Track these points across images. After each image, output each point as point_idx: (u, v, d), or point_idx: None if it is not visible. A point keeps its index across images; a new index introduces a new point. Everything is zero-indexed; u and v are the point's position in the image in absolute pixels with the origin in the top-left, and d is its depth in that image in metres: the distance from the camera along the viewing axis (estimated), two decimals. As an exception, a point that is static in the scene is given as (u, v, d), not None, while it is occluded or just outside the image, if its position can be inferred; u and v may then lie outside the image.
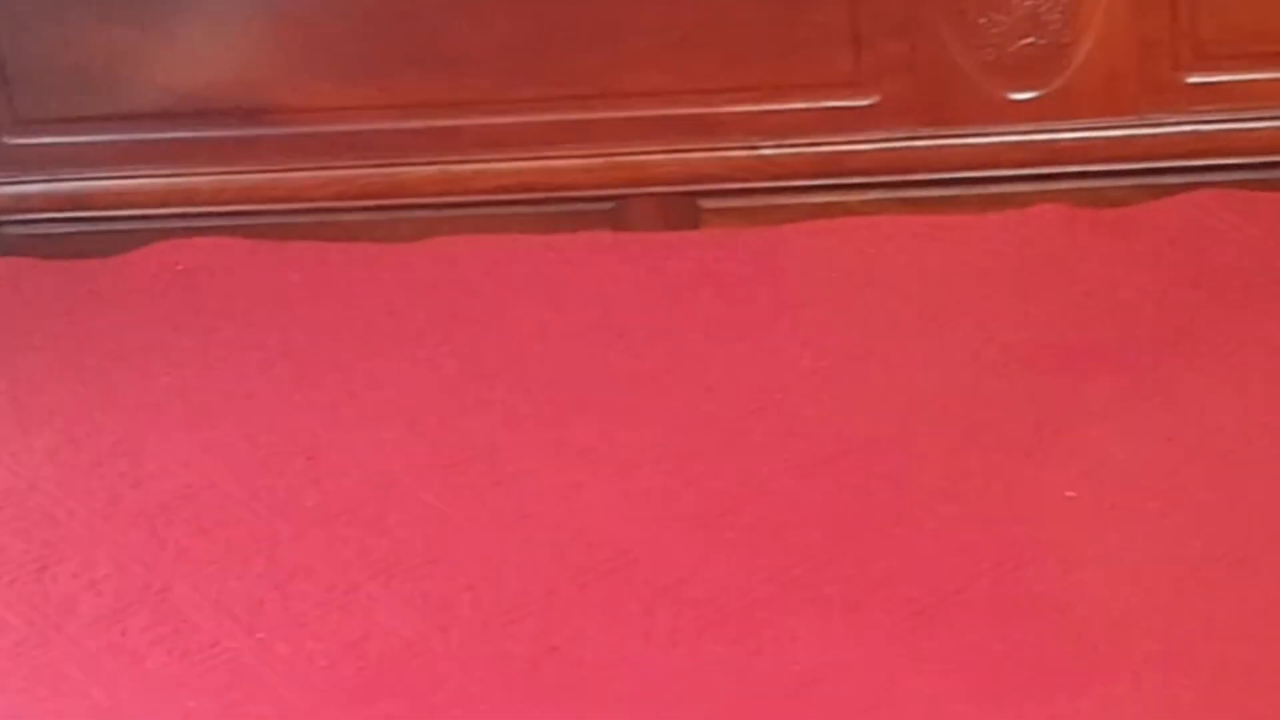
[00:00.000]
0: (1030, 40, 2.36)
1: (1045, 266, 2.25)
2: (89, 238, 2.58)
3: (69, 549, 1.97)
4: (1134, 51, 2.35)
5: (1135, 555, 1.80)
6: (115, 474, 2.09)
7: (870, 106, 2.40)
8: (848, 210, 2.40)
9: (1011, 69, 2.37)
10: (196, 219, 2.56)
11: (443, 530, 1.94)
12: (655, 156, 2.46)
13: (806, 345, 2.16)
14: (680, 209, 2.47)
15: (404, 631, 1.81)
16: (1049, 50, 2.36)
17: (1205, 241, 2.24)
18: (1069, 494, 1.89)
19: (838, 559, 1.83)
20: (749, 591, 1.80)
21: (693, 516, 1.92)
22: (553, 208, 2.50)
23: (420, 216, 2.51)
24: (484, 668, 1.76)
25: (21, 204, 2.61)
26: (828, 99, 2.41)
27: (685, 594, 1.81)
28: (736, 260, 2.34)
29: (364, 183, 2.53)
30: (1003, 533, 1.84)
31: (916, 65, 2.38)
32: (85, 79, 2.54)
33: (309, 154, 2.54)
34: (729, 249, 2.37)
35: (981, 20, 2.36)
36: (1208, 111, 2.35)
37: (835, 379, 2.10)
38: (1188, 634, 1.70)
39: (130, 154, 2.56)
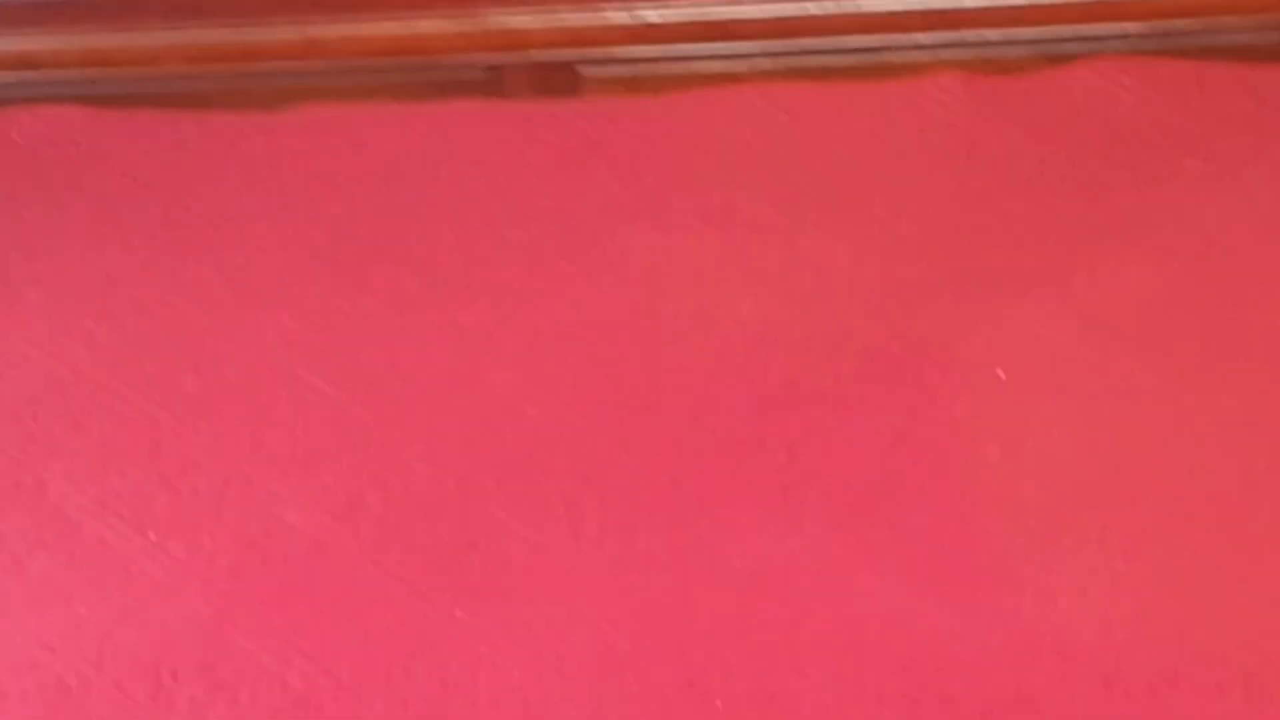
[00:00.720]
0: (928, -102, 2.27)
1: (948, 137, 2.16)
2: (-93, 107, 2.38)
3: (-73, 447, 1.83)
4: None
5: (1075, 439, 1.74)
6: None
7: (761, -31, 2.30)
8: (737, 79, 2.29)
9: (909, -71, 2.28)
10: (32, 87, 2.38)
11: (340, 420, 1.82)
12: (532, 20, 2.33)
13: (710, 222, 2.05)
14: (559, 77, 2.35)
15: (309, 529, 1.70)
16: (947, -90, 2.28)
17: (1111, 111, 2.17)
18: (1000, 374, 1.82)
19: (768, 448, 1.75)
20: (678, 482, 1.71)
21: (608, 404, 1.81)
22: (423, 75, 2.36)
23: (279, 84, 2.36)
24: (401, 567, 1.65)
25: None
26: (716, -40, 2.30)
27: (610, 485, 1.71)
28: (623, 131, 2.22)
29: (216, 46, 2.37)
30: (937, 415, 1.77)
31: (810, -75, 2.28)
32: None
33: (155, 13, 2.36)
34: (614, 120, 2.24)
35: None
36: (1106, -24, 2.28)
37: (744, 258, 2.00)
38: (1134, 520, 1.65)
39: (-45, 13, 2.37)
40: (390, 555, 1.66)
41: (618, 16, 2.32)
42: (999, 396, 1.80)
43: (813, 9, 2.29)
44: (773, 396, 1.80)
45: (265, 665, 1.56)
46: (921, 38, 2.30)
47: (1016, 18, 2.29)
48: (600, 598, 1.60)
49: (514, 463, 1.75)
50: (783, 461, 1.73)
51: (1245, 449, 1.71)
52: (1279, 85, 2.20)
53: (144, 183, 2.20)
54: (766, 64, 2.31)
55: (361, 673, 1.55)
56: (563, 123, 2.25)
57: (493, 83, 2.35)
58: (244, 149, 2.24)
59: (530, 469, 1.74)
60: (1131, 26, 2.29)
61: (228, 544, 1.69)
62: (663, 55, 2.33)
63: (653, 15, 2.32)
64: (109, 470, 1.78)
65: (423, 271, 2.02)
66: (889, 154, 2.14)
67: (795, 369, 1.84)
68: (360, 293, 2.00)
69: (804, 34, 2.30)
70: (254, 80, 2.37)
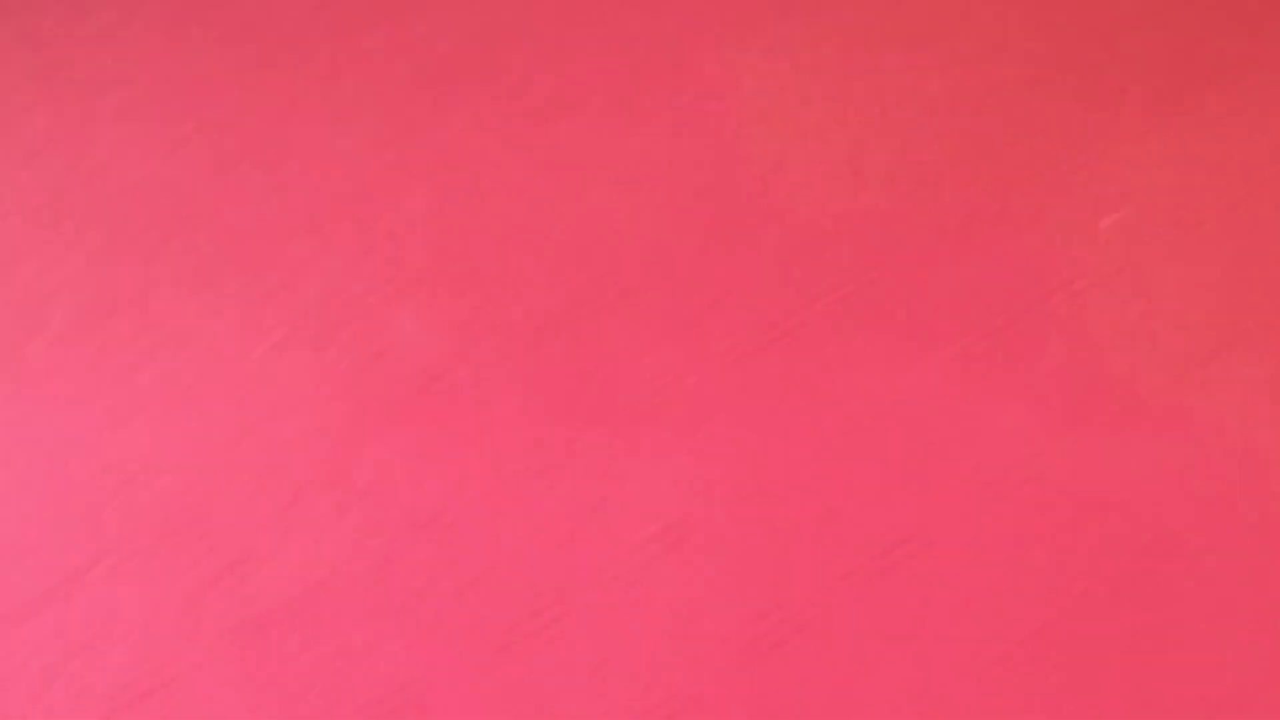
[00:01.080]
0: None
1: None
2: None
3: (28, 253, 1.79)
4: None
5: (1200, 282, 1.74)
6: (57, 166, 1.89)
7: None
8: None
9: None
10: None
11: (442, 239, 1.80)
12: None
13: (794, 52, 2.03)
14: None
15: (420, 350, 1.68)
16: None
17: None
18: (1104, 223, 1.81)
19: (881, 281, 1.74)
20: (797, 311, 1.71)
21: (711, 230, 1.80)
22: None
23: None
24: (516, 391, 1.64)
25: None
26: None
27: (725, 312, 1.70)
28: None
29: None
30: (1048, 259, 1.77)
31: None
32: None
33: None
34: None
35: None
36: None
37: (832, 90, 1.98)
38: (1269, 360, 1.65)
39: None
40: (506, 380, 1.65)
41: None
42: (1110, 242, 1.79)
43: None
44: (878, 230, 1.79)
45: (396, 482, 1.55)
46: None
47: None
48: (728, 426, 1.60)
49: (624, 287, 1.73)
50: (901, 297, 1.72)
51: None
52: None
53: (212, -9, 2.15)
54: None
55: (495, 494, 1.54)
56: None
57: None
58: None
59: (641, 294, 1.72)
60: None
61: (340, 363, 1.67)
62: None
63: None
64: (217, 279, 1.75)
65: (509, 92, 1.98)
66: (976, -8, 2.12)
67: (897, 204, 1.82)
68: (449, 112, 1.96)
69: None
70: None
